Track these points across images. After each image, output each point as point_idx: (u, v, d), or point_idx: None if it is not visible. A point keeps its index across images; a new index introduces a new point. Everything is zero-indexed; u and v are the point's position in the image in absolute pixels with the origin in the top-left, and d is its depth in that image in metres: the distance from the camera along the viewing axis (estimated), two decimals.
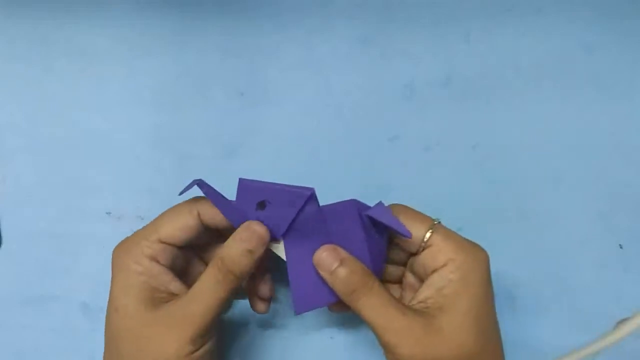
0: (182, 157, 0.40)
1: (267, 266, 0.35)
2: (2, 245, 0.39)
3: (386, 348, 0.29)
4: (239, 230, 0.30)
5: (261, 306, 0.34)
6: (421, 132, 0.40)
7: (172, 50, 0.41)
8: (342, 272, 0.30)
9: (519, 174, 0.39)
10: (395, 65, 0.41)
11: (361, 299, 0.29)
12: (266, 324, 0.38)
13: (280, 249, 0.31)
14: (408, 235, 0.30)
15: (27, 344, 0.38)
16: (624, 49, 0.40)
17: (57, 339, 0.38)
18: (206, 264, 0.34)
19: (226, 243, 0.30)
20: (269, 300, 0.35)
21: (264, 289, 0.34)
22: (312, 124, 0.40)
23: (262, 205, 0.30)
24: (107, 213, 0.39)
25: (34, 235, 0.39)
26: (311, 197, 0.29)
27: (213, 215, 0.31)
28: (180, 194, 0.30)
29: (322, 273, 0.31)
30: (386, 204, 0.32)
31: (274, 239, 0.31)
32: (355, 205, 0.31)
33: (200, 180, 0.30)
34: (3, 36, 0.41)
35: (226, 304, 0.31)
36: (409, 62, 0.41)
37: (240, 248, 0.30)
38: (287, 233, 0.31)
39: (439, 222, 0.31)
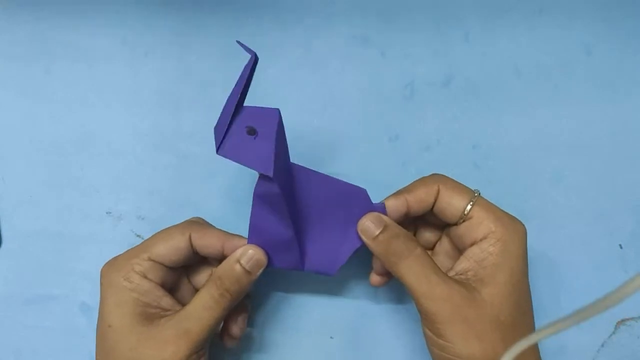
0: (182, 157, 0.40)
1: (245, 305, 0.34)
2: (2, 245, 0.39)
3: (424, 316, 0.29)
4: (238, 251, 0.31)
5: (229, 342, 0.34)
6: (421, 132, 0.40)
7: (172, 51, 0.41)
8: (384, 236, 0.30)
9: (519, 174, 0.39)
10: (395, 65, 0.41)
11: (402, 263, 0.29)
12: (265, 323, 0.38)
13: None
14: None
15: (27, 343, 0.37)
16: (624, 49, 0.40)
17: (57, 339, 0.37)
18: (193, 285, 0.34)
19: (225, 262, 0.31)
20: (238, 338, 0.34)
21: (235, 329, 0.33)
22: (312, 124, 0.40)
23: (252, 131, 0.28)
24: (107, 213, 0.39)
25: (34, 235, 0.39)
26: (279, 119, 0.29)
27: (204, 243, 0.31)
28: (238, 41, 0.28)
29: (365, 240, 0.31)
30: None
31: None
32: (363, 195, 0.32)
33: (256, 57, 0.28)
34: (3, 36, 0.41)
35: (221, 322, 0.31)
36: (409, 62, 0.41)
37: (238, 269, 0.30)
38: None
39: (479, 194, 0.31)
